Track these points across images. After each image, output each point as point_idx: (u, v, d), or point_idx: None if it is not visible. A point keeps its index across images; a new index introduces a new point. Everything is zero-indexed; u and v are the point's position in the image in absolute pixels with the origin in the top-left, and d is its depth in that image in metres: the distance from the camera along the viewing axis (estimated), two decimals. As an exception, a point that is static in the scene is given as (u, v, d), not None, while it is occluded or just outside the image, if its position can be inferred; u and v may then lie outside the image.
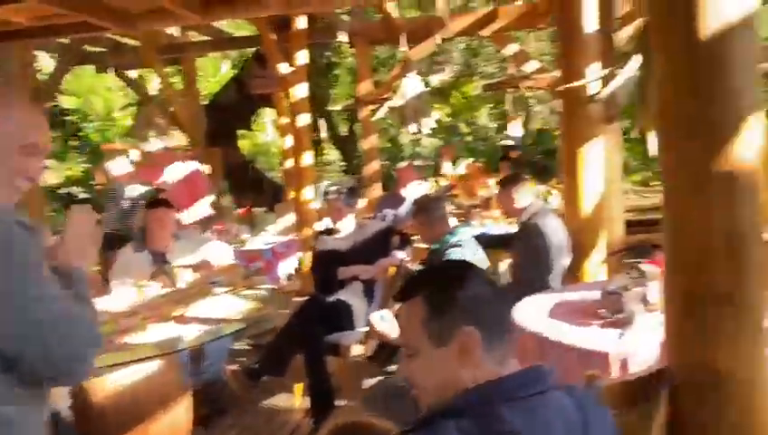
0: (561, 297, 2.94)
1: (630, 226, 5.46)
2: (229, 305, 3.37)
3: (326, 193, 4.06)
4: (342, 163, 15.39)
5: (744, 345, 1.49)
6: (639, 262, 4.06)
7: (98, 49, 8.08)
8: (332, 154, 16.81)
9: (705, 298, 1.50)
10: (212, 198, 6.34)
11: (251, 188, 11.29)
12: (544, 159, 13.53)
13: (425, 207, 3.45)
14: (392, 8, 7.19)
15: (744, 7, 1.43)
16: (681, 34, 1.47)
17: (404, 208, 5.51)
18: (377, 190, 8.59)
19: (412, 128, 4.92)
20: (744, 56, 1.44)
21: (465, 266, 1.29)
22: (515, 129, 9.91)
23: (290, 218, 8.28)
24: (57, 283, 1.35)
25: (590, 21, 3.69)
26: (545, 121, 15.97)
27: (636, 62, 2.42)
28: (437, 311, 1.19)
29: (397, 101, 4.80)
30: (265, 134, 19.52)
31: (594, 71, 3.66)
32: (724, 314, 1.48)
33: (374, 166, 8.74)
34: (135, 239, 4.08)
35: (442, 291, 1.21)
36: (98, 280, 3.93)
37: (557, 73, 7.28)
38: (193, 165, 6.22)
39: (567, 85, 3.12)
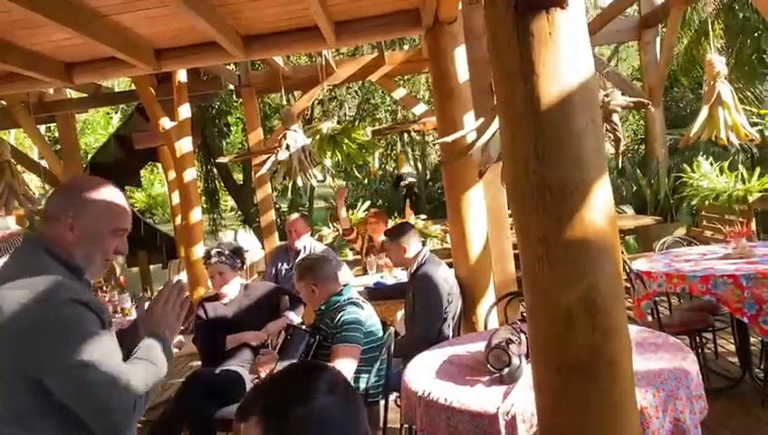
0: (451, 352, 2.88)
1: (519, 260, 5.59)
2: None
3: (207, 257, 3.85)
4: (239, 212, 15.02)
5: (611, 414, 1.46)
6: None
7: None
8: (230, 202, 16.43)
9: (569, 368, 1.46)
10: None
11: (144, 245, 10.75)
12: (443, 194, 13.83)
13: (309, 268, 3.31)
14: (278, 57, 7.14)
15: (583, 73, 1.44)
16: (522, 100, 1.45)
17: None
18: (274, 240, 8.42)
19: (300, 179, 4.81)
20: (586, 121, 1.44)
21: (306, 376, 1.17)
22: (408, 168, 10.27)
23: (184, 277, 7.93)
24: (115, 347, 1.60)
25: (462, 70, 3.75)
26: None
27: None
28: (272, 433, 1.08)
29: (281, 155, 4.68)
30: (161, 185, 18.85)
31: (470, 120, 3.72)
32: (589, 383, 1.44)
33: (270, 216, 8.58)
34: None
35: (277, 410, 1.10)
36: None
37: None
38: None
39: (440, 140, 3.12)
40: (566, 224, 1.43)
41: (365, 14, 3.73)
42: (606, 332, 1.43)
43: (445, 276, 3.69)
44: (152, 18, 3.24)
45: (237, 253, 3.93)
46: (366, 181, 11.38)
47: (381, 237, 5.76)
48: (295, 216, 5.55)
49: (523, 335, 2.61)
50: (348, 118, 13.13)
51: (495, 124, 2.47)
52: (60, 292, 1.53)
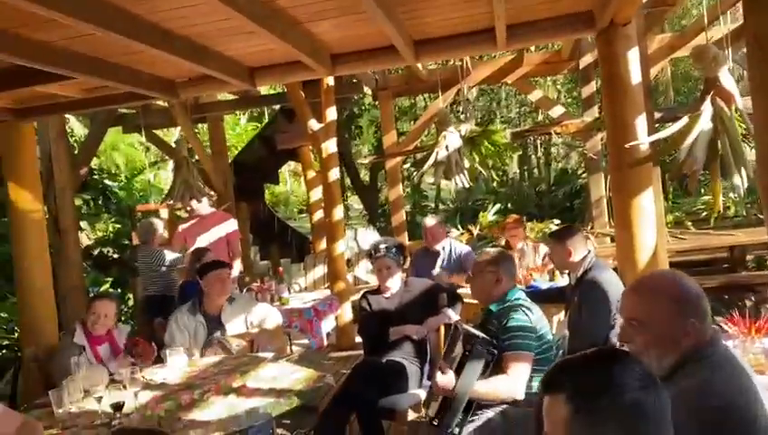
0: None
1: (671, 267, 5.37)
2: (288, 374, 3.31)
3: (375, 251, 4.01)
4: (365, 212, 15.42)
5: None
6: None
7: (129, 111, 8.21)
8: (354, 202, 16.91)
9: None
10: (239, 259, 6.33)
11: (277, 241, 11.30)
12: (566, 199, 13.52)
13: (501, 258, 3.34)
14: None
15: None
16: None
17: (439, 265, 5.48)
18: (404, 239, 8.60)
19: (458, 179, 4.91)
20: None
21: (617, 366, 1.18)
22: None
23: (319, 271, 8.26)
24: None
25: (636, 73, 3.68)
26: (565, 163, 16.10)
27: (706, 115, 2.37)
28: (582, 415, 1.12)
29: (441, 154, 4.82)
30: (284, 183, 19.68)
31: (642, 121, 3.65)
32: None
33: (401, 216, 8.78)
34: (185, 302, 4.09)
35: (587, 393, 1.13)
36: (148, 348, 3.87)
37: (586, 118, 7.32)
38: (232, 224, 6.22)
39: (631, 143, 3.08)
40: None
41: (538, 16, 3.74)
42: None
43: (612, 282, 3.61)
44: (338, 25, 3.43)
45: (401, 249, 4.07)
46: (494, 184, 11.36)
47: (520, 244, 5.74)
48: (433, 221, 5.67)
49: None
50: (477, 120, 13.16)
51: (699, 127, 2.42)
52: None
